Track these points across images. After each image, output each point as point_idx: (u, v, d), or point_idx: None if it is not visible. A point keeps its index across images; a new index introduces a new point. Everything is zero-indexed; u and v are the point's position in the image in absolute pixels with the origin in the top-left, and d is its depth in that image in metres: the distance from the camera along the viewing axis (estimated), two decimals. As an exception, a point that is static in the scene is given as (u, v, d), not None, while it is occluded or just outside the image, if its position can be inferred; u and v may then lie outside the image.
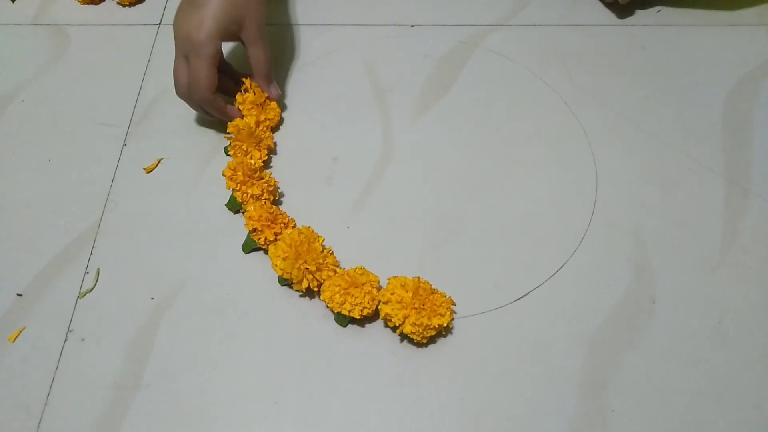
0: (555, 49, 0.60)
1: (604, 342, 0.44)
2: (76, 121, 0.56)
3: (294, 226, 0.48)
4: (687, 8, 0.63)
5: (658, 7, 0.63)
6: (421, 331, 0.42)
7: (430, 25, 0.62)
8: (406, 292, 0.43)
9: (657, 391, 0.42)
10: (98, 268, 0.48)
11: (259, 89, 0.53)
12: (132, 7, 0.65)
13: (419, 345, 0.44)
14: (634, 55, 0.60)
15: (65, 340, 0.45)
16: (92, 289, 0.47)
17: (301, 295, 0.46)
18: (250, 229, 0.47)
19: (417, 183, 0.52)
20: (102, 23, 0.63)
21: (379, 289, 0.44)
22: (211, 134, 0.55)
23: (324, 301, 0.44)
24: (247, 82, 0.53)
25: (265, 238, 0.47)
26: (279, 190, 0.51)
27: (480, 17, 0.63)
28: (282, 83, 0.58)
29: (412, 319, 0.42)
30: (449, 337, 0.45)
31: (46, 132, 0.55)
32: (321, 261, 0.44)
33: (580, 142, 0.54)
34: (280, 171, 0.53)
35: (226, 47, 0.58)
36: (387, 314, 0.43)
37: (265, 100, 0.53)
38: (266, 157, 0.51)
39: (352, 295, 0.43)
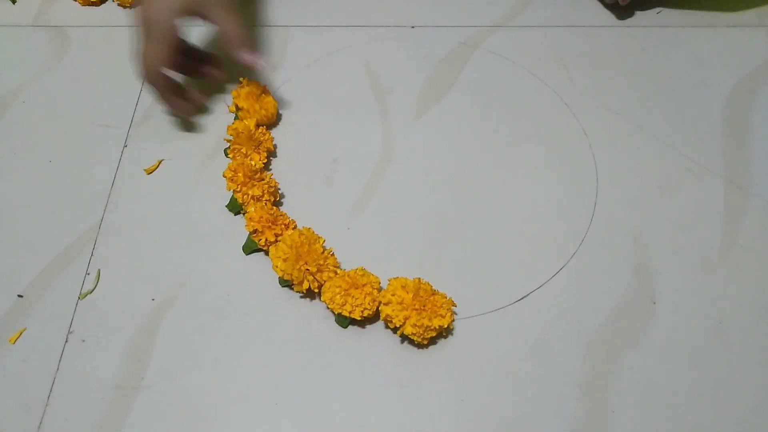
0: (555, 50, 0.60)
1: (604, 343, 0.44)
2: (76, 122, 0.56)
3: (295, 228, 0.48)
4: (687, 9, 0.63)
5: (658, 9, 0.63)
6: (421, 332, 0.42)
7: (430, 26, 0.62)
8: (407, 293, 0.43)
9: (657, 391, 0.42)
10: (99, 270, 0.48)
11: (254, 84, 0.52)
12: (132, 9, 0.65)
13: (420, 346, 0.44)
14: (635, 56, 0.60)
15: (66, 341, 0.45)
16: (93, 290, 0.47)
17: (301, 297, 0.46)
18: (251, 230, 0.47)
19: (417, 184, 0.52)
20: (103, 24, 0.63)
21: (379, 290, 0.44)
22: (211, 136, 0.55)
23: (324, 302, 0.44)
24: (244, 81, 0.53)
25: (266, 240, 0.47)
26: (279, 192, 0.51)
27: (480, 18, 0.63)
28: (282, 84, 0.58)
29: (412, 320, 0.42)
30: (450, 338, 0.45)
31: (46, 133, 0.55)
32: (321, 262, 0.44)
33: (580, 142, 0.54)
34: (280, 172, 0.53)
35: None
36: (387, 315, 0.43)
37: (261, 94, 0.53)
38: (266, 160, 0.51)
39: (353, 297, 0.43)
